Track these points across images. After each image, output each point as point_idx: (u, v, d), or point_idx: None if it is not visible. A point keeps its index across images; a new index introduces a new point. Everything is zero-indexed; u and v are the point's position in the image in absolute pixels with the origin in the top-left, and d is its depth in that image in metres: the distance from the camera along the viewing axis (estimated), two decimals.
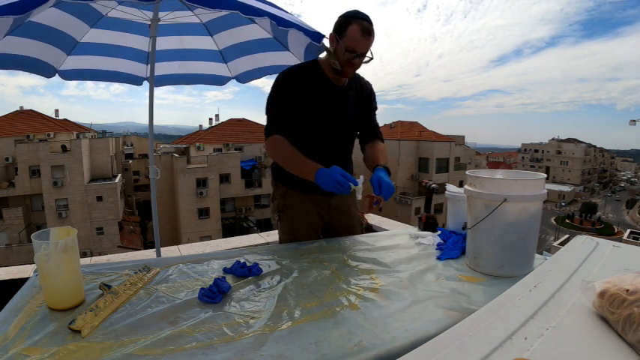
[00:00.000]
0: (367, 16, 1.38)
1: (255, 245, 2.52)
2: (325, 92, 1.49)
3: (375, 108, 1.69)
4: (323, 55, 1.57)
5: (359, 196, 1.30)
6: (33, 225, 18.91)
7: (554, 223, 41.40)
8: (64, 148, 18.89)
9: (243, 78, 2.61)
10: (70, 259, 0.95)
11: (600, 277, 0.72)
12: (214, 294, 1.00)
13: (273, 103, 1.48)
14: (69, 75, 2.32)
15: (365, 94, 1.63)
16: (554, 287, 0.77)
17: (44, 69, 2.13)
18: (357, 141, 1.72)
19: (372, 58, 1.42)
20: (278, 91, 1.47)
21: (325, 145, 1.53)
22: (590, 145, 70.05)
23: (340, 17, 1.40)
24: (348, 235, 1.65)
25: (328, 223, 1.68)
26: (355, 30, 1.34)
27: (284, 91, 1.47)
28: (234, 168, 22.09)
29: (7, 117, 22.44)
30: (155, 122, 2.41)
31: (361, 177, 1.29)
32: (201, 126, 31.09)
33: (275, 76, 1.51)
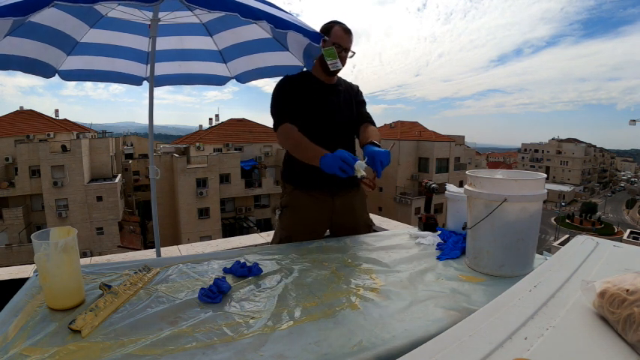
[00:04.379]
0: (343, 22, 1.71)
1: (256, 245, 2.52)
2: (319, 90, 1.72)
3: (364, 101, 1.88)
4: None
5: (364, 173, 1.33)
6: (33, 225, 18.90)
7: (554, 223, 41.39)
8: (64, 148, 18.88)
9: (243, 78, 2.61)
10: (70, 259, 0.95)
11: (600, 277, 0.72)
12: (214, 294, 1.00)
13: (278, 98, 1.65)
14: (69, 75, 2.32)
15: (352, 90, 1.85)
16: (554, 287, 0.76)
17: (44, 69, 2.12)
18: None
19: (354, 53, 1.70)
20: (280, 90, 1.67)
21: (326, 140, 1.55)
22: (590, 145, 70.03)
23: (323, 25, 1.71)
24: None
25: (334, 224, 1.75)
26: (338, 30, 1.66)
27: (286, 89, 1.67)
28: (234, 168, 22.09)
29: (7, 117, 22.42)
30: (155, 122, 2.41)
31: (360, 162, 1.34)
32: (201, 126, 31.08)
33: (275, 79, 1.65)
